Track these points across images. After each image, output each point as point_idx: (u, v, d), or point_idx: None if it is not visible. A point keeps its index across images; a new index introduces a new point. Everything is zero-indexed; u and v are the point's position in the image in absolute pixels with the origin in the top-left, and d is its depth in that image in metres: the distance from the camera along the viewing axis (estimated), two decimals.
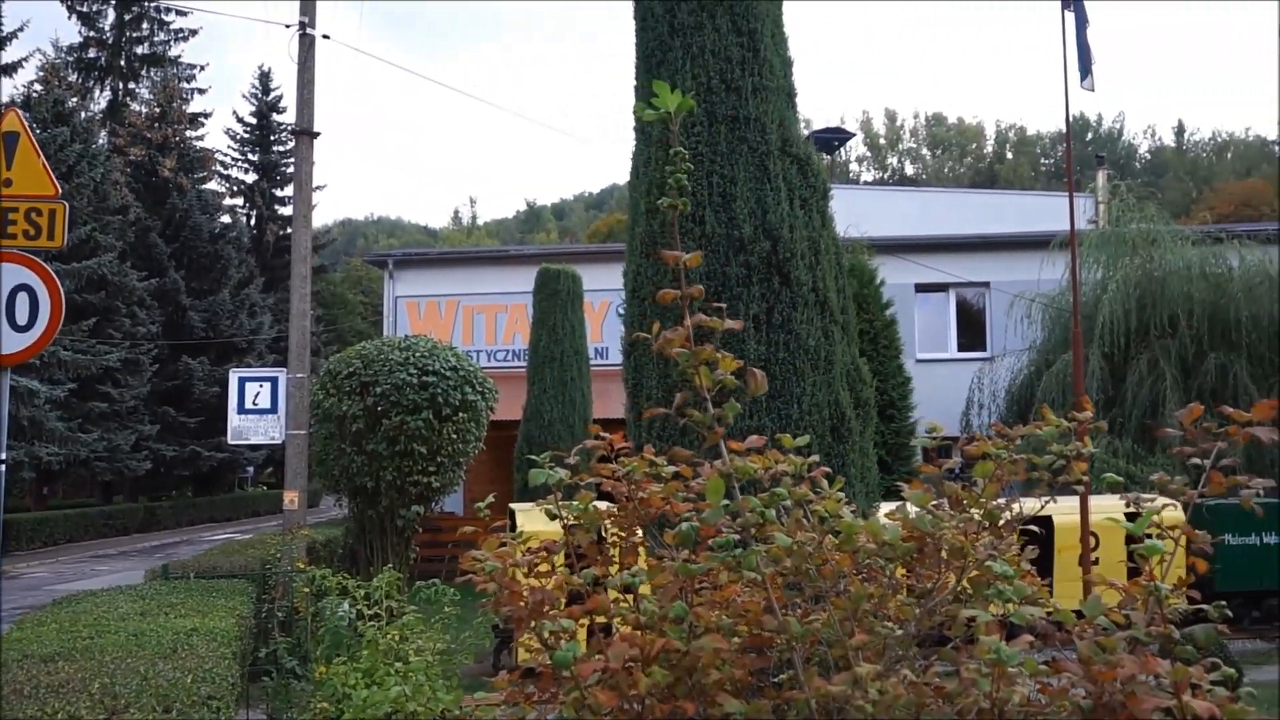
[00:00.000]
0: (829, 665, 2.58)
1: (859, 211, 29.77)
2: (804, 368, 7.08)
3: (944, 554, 2.60)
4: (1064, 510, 16.37)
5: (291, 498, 14.78)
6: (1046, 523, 15.92)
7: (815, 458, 2.92)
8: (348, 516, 17.67)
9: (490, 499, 3.70)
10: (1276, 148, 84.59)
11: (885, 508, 5.90)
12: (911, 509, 2.68)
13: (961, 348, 26.60)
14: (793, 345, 7.43)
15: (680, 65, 7.82)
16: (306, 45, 15.81)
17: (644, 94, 8.22)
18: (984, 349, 25.93)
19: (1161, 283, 21.71)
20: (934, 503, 2.78)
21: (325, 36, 16.54)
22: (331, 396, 15.66)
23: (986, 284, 26.13)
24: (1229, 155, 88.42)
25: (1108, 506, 16.77)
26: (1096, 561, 16.08)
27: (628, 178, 8.44)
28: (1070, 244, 12.24)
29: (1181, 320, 21.43)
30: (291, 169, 32.22)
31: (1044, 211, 28.11)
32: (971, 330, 26.58)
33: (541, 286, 22.34)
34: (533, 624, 2.95)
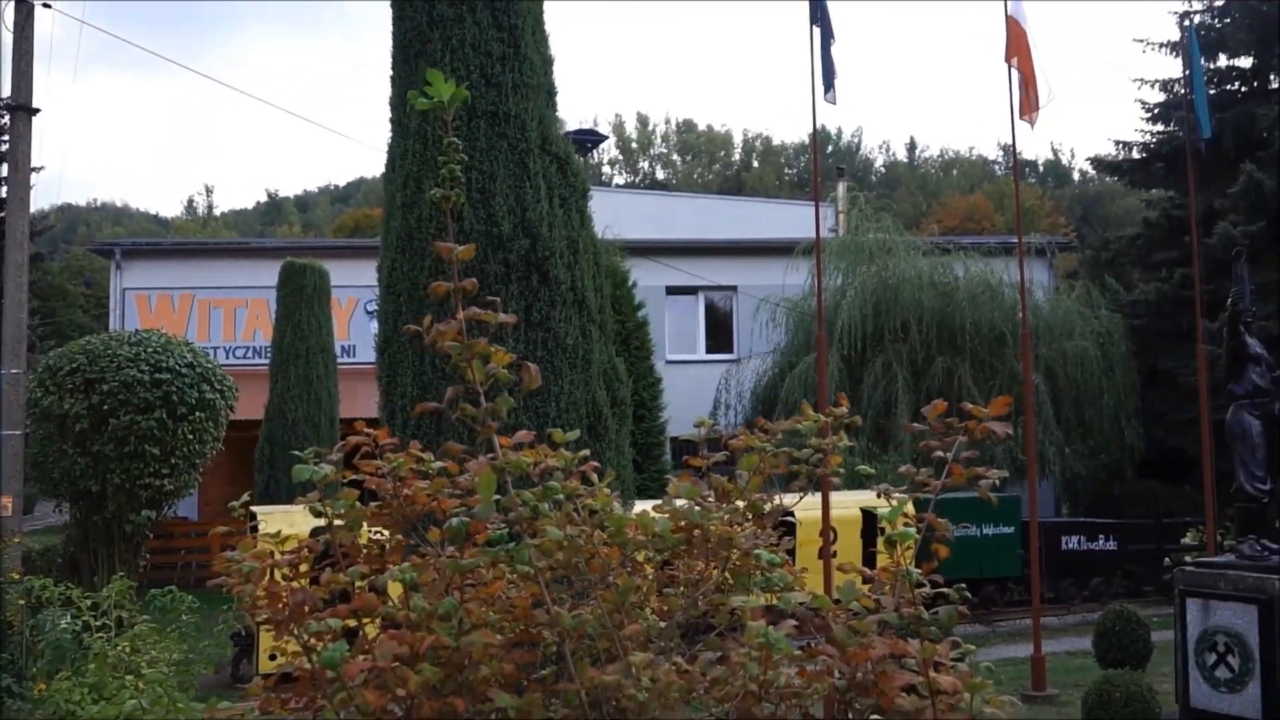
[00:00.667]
0: (598, 657, 2.64)
1: (612, 213, 30.26)
2: (562, 366, 7.15)
3: (711, 544, 2.70)
4: (805, 506, 17.20)
5: (6, 502, 13.76)
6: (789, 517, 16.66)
7: (585, 452, 2.98)
8: (69, 523, 16.61)
9: (245, 498, 3.57)
10: (996, 167, 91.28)
11: (640, 505, 6.03)
12: (680, 501, 2.77)
13: (710, 349, 27.41)
14: (551, 344, 7.49)
15: (439, 58, 7.75)
16: (24, 13, 14.80)
17: (401, 85, 8.09)
18: (731, 351, 26.82)
19: (895, 290, 23.03)
20: (702, 495, 2.88)
21: (46, 5, 15.49)
22: (51, 395, 14.70)
23: (734, 288, 27.03)
24: (955, 172, 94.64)
25: (848, 501, 17.72)
26: (835, 554, 16.93)
27: (379, 171, 8.31)
28: (816, 251, 12.82)
29: (913, 326, 22.81)
30: (6, 148, 29.92)
31: (788, 219, 29.33)
32: (720, 333, 27.44)
33: (286, 281, 21.61)
34: (293, 627, 2.87)
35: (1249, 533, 10.12)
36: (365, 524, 3.16)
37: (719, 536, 2.73)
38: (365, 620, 2.91)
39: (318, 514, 2.88)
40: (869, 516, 17.34)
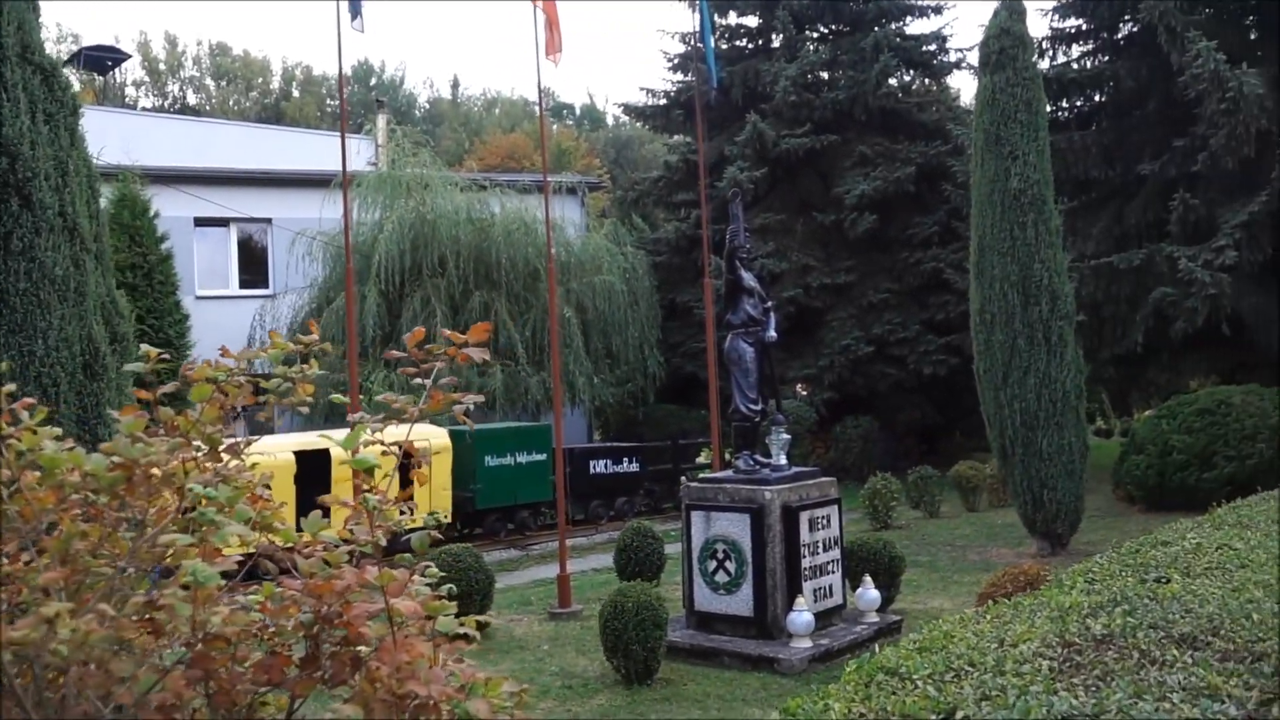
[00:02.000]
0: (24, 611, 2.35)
1: (135, 138, 27.88)
2: (50, 299, 6.44)
3: (154, 483, 2.47)
4: (339, 441, 16.83)
5: None
6: (327, 455, 16.21)
7: (11, 387, 2.63)
8: None
9: None
10: (535, 108, 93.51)
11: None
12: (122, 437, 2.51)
13: (244, 284, 26.05)
14: (36, 274, 6.74)
15: None
16: None
17: None
18: (267, 286, 25.65)
19: (434, 225, 22.97)
20: (149, 429, 2.63)
21: None
22: None
23: (269, 220, 25.82)
24: (497, 111, 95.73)
25: (421, 433, 17.54)
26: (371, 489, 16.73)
27: None
28: (343, 185, 12.44)
29: (450, 261, 22.88)
30: None
31: (329, 151, 28.22)
32: (254, 267, 26.15)
33: None
34: None
35: (744, 449, 11.07)
36: None
37: (165, 474, 2.51)
38: None
39: None
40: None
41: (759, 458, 11.10)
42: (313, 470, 15.26)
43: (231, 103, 79.88)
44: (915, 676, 3.46)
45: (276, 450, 15.86)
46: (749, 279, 11.10)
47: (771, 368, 11.22)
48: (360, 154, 25.12)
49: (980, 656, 3.64)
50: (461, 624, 2.78)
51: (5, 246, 6.63)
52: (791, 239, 26.58)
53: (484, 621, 11.33)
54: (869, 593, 11.14)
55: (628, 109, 30.88)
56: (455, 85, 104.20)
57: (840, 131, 26.66)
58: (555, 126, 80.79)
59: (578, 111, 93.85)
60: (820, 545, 10.81)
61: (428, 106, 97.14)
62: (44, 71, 7.33)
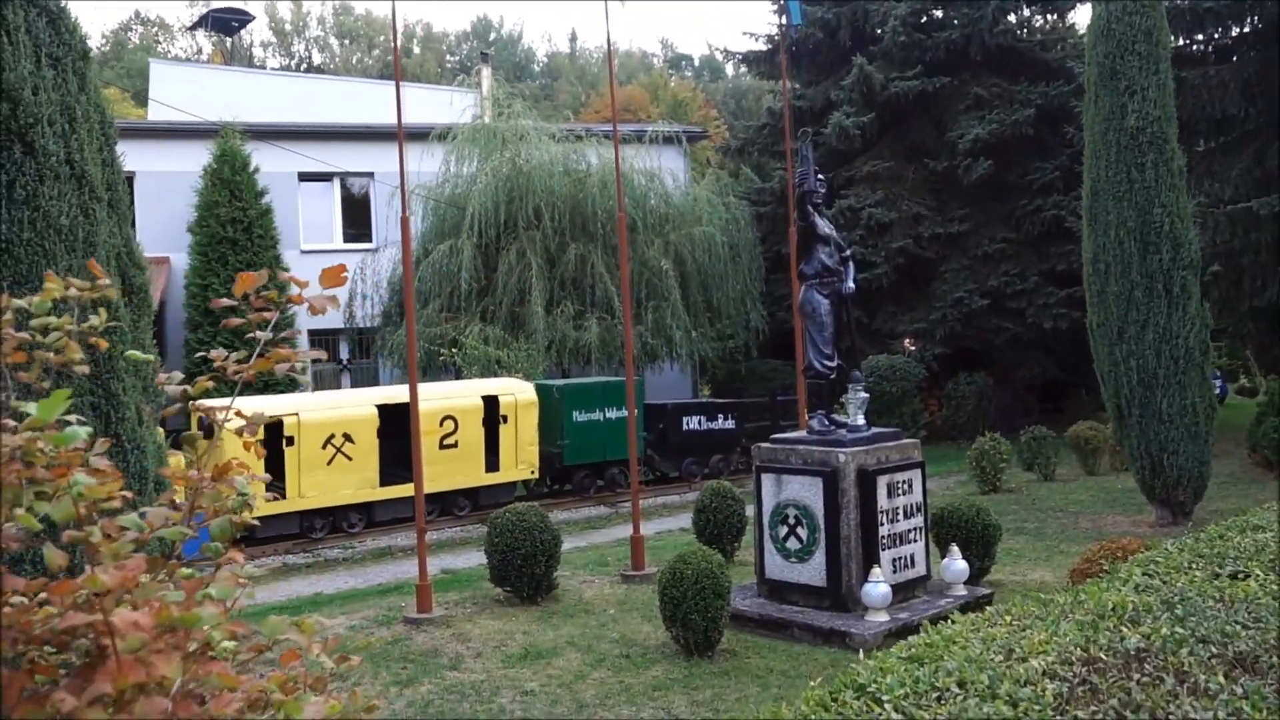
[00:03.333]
0: None
1: (249, 97, 28.08)
2: (56, 249, 6.09)
3: None
4: (425, 396, 16.59)
5: None
6: (407, 409, 15.91)
7: None
8: None
9: None
10: (654, 60, 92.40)
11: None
12: None
13: (348, 238, 26.04)
14: (41, 224, 6.40)
15: None
16: None
17: None
18: (370, 240, 25.59)
19: (529, 177, 22.49)
20: None
21: None
22: None
23: (371, 174, 25.70)
24: (615, 64, 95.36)
25: (470, 390, 17.23)
26: (456, 444, 16.45)
27: None
28: (398, 138, 12.02)
29: (545, 213, 22.41)
30: None
31: (440, 105, 27.93)
32: (358, 221, 26.10)
33: None
34: None
35: (818, 408, 10.35)
36: None
37: None
38: None
39: None
40: (491, 403, 16.96)
41: (835, 417, 10.37)
42: (395, 423, 15.05)
43: (354, 61, 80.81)
44: (887, 697, 2.82)
45: (359, 403, 15.70)
46: (824, 226, 10.31)
47: (850, 321, 10.43)
48: (460, 107, 24.66)
49: (977, 673, 2.96)
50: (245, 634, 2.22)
51: (8, 195, 6.31)
52: (901, 187, 25.45)
53: (550, 583, 11.00)
54: (956, 563, 10.36)
55: (728, 54, 29.92)
56: (573, 39, 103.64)
57: (954, 73, 25.35)
58: (673, 78, 79.77)
59: (696, 62, 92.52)
60: (900, 512, 10.05)
61: (545, 61, 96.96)
62: (50, 14, 6.98)
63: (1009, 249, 24.55)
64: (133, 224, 7.42)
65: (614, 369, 22.91)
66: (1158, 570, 4.27)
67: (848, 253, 10.55)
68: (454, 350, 20.42)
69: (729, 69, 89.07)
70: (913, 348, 24.40)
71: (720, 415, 20.02)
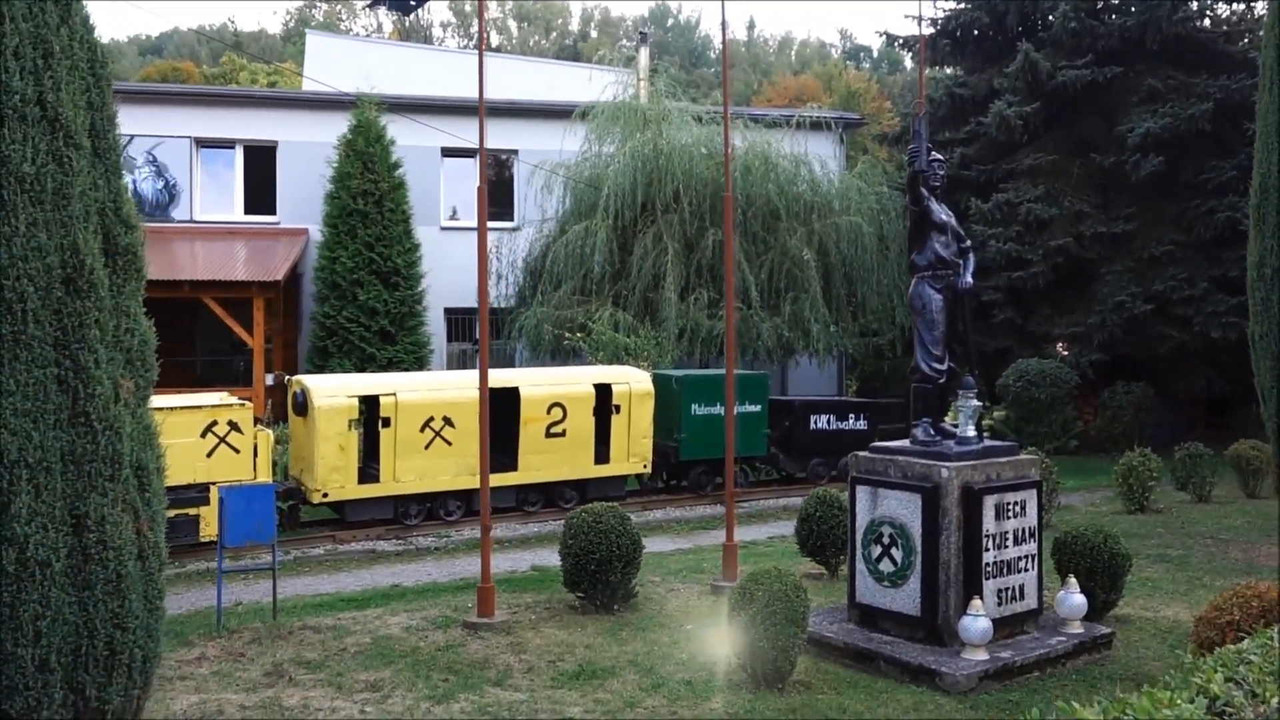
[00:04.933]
0: None
1: (414, 71, 27.98)
2: (17, 201, 5.45)
3: None
4: (532, 380, 15.97)
5: None
6: (514, 394, 15.34)
7: None
8: None
9: None
10: (832, 50, 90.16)
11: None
12: None
13: (491, 217, 25.65)
14: None
15: None
16: None
17: None
18: (511, 218, 25.15)
19: (669, 158, 21.65)
20: None
21: None
22: None
23: (515, 151, 25.24)
24: (790, 53, 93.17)
25: (580, 377, 16.49)
26: (565, 433, 15.76)
27: None
28: (479, 111, 11.23)
29: (684, 196, 21.53)
30: None
31: (584, 83, 27.28)
32: (500, 198, 25.66)
33: None
34: None
35: (924, 415, 9.22)
36: None
37: None
38: None
39: None
40: (603, 392, 16.19)
41: (944, 426, 9.21)
42: (501, 407, 14.44)
43: (531, 43, 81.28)
44: None
45: (462, 385, 15.05)
46: (939, 211, 9.13)
47: (966, 320, 9.23)
48: (601, 84, 23.82)
49: None
50: None
51: None
52: (1065, 182, 23.60)
53: (628, 591, 10.12)
54: (1072, 597, 9.09)
55: (890, 38, 28.34)
56: (750, 27, 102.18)
57: (1127, 63, 23.35)
58: (850, 69, 77.66)
59: (875, 54, 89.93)
60: (1010, 537, 8.83)
61: (721, 48, 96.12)
62: None
63: (1178, 252, 22.51)
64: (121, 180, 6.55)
65: (748, 362, 21.92)
66: (1249, 676, 3.08)
67: (967, 243, 9.36)
68: (580, 335, 19.74)
69: (907, 61, 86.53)
70: (1065, 352, 22.62)
71: (852, 415, 18.81)
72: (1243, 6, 25.47)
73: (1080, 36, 23.38)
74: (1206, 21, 25.14)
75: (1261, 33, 23.44)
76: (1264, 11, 24.70)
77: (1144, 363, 23.55)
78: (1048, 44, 24.03)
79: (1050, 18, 24.32)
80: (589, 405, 15.81)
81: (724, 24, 11.85)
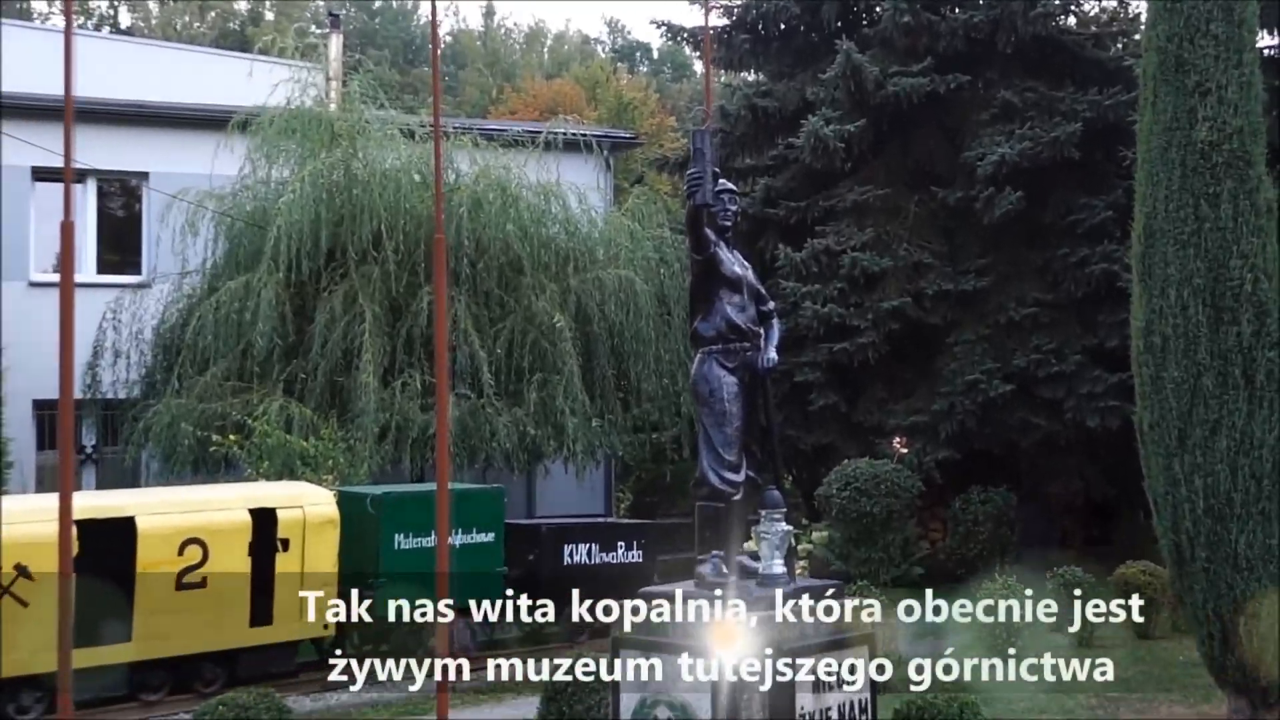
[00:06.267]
0: None
1: (25, 63, 26.65)
2: None
3: None
4: (153, 507, 15.24)
5: None
6: (127, 527, 14.56)
7: None
8: None
9: None
10: (599, 47, 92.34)
11: None
12: None
13: (107, 267, 24.75)
14: None
15: None
16: None
17: None
18: (137, 270, 24.33)
19: (366, 187, 21.44)
20: None
21: None
22: None
23: (145, 174, 24.48)
24: (542, 50, 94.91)
25: (231, 499, 15.87)
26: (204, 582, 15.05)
27: None
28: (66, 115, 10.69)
29: (388, 241, 21.23)
30: None
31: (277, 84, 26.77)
32: (121, 242, 24.76)
33: None
34: None
35: (713, 547, 9.15)
36: None
37: None
38: None
39: None
40: (263, 520, 15.60)
41: (742, 561, 9.16)
42: (104, 549, 13.67)
43: (179, 26, 79.70)
44: None
45: (38, 517, 14.12)
46: (732, 263, 9.11)
47: (769, 412, 9.22)
48: (271, 82, 23.38)
49: None
50: None
51: None
52: (899, 223, 24.51)
53: None
54: None
55: (672, 31, 29.05)
56: (488, 15, 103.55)
57: (975, 70, 24.62)
58: (624, 73, 79.38)
59: (655, 55, 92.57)
60: (835, 714, 8.80)
61: (451, 40, 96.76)
62: None
63: (1043, 315, 23.64)
64: None
65: (478, 471, 21.74)
66: None
67: (770, 306, 9.39)
68: (235, 438, 19.08)
69: (696, 65, 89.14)
70: (903, 450, 23.29)
71: (621, 543, 18.78)
72: (1114, 4, 27.33)
73: (915, 35, 24.48)
74: (1071, 20, 26.78)
75: (1139, 35, 25.26)
76: (1142, 9, 26.61)
77: (1004, 460, 24.49)
78: (875, 43, 25.07)
79: (878, 9, 25.41)
80: (243, 540, 15.28)
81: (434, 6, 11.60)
